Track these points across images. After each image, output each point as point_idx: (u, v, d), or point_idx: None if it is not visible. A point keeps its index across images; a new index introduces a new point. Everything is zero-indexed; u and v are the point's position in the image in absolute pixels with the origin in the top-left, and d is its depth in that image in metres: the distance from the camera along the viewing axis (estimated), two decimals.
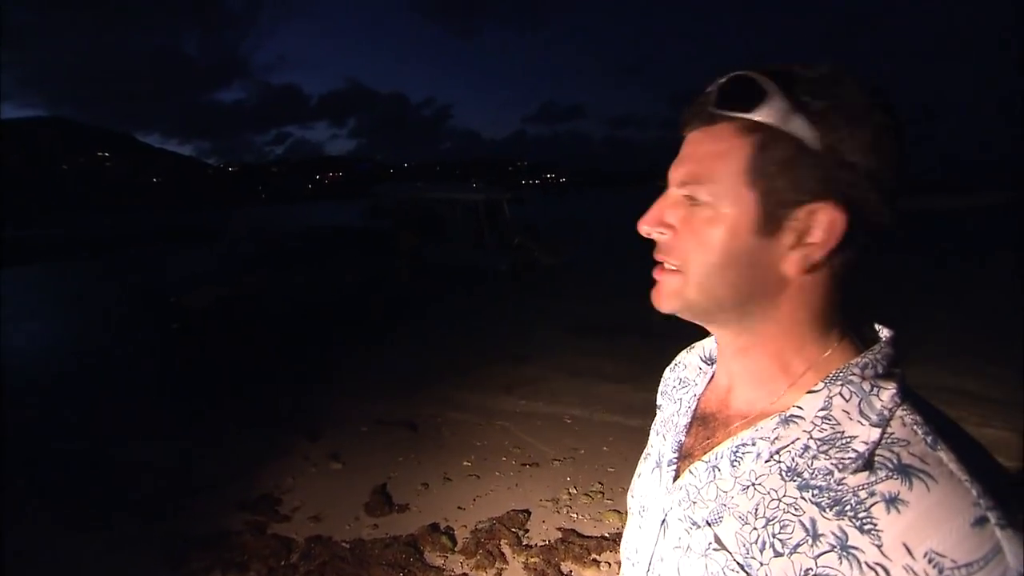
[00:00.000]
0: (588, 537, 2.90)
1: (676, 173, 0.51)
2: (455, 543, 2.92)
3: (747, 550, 0.45)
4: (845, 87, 0.45)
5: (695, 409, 0.59)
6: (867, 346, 0.49)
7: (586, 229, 21.34)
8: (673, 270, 0.51)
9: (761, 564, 0.44)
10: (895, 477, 0.40)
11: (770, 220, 0.46)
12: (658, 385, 0.71)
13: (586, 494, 3.32)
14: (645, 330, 6.89)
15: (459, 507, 3.25)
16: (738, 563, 0.45)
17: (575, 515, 3.13)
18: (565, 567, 2.69)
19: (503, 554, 2.81)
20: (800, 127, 0.44)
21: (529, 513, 3.15)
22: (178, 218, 35.23)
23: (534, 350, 6.22)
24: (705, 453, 0.52)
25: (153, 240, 24.54)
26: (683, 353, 0.68)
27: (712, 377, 0.60)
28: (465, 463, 3.78)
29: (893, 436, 0.43)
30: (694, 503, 0.51)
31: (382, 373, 5.66)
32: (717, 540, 0.47)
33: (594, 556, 2.74)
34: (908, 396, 0.45)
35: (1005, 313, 6.56)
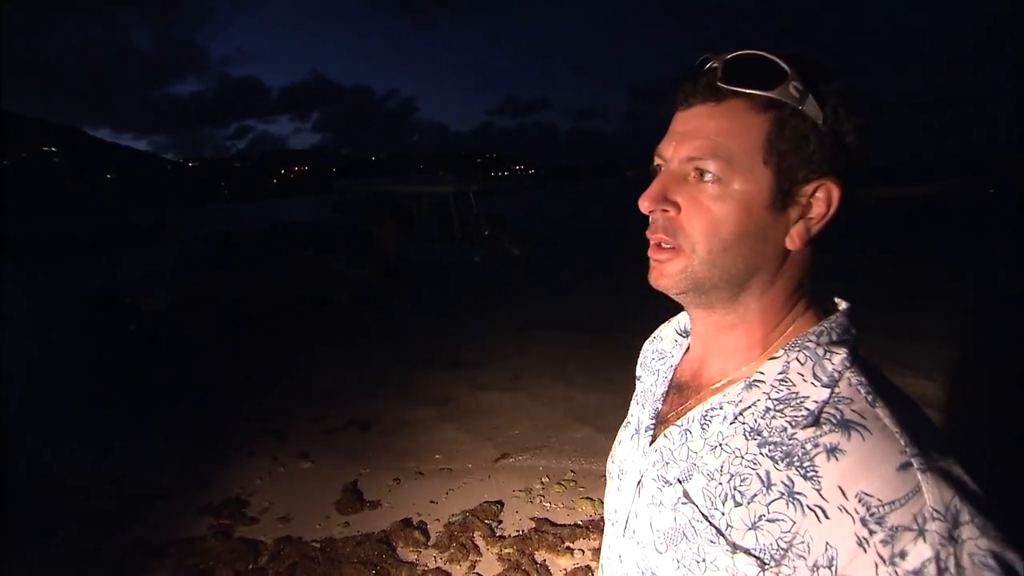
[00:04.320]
0: (561, 525, 2.91)
1: (680, 149, 0.52)
2: (428, 537, 2.89)
3: (711, 503, 0.49)
4: (839, 77, 0.50)
5: (672, 379, 0.64)
6: (828, 317, 0.53)
7: (556, 220, 21.39)
8: (672, 248, 0.52)
9: (723, 514, 0.48)
10: (837, 430, 0.45)
11: (783, 195, 0.49)
12: (619, 370, 0.74)
13: (559, 483, 3.33)
14: (616, 321, 6.97)
15: (432, 501, 3.23)
16: (703, 514, 0.49)
17: (548, 504, 3.14)
18: (539, 556, 2.69)
19: (477, 546, 2.79)
20: (813, 107, 0.48)
21: (502, 504, 3.15)
22: (136, 216, 33.75)
23: (504, 345, 6.21)
24: (679, 418, 0.56)
25: (108, 239, 23.44)
26: (662, 327, 0.71)
27: (688, 349, 0.64)
28: (437, 456, 3.75)
29: (840, 395, 0.47)
30: (667, 464, 0.55)
31: (349, 372, 5.55)
32: (686, 495, 0.51)
33: (567, 544, 2.76)
34: (857, 360, 0.50)
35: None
